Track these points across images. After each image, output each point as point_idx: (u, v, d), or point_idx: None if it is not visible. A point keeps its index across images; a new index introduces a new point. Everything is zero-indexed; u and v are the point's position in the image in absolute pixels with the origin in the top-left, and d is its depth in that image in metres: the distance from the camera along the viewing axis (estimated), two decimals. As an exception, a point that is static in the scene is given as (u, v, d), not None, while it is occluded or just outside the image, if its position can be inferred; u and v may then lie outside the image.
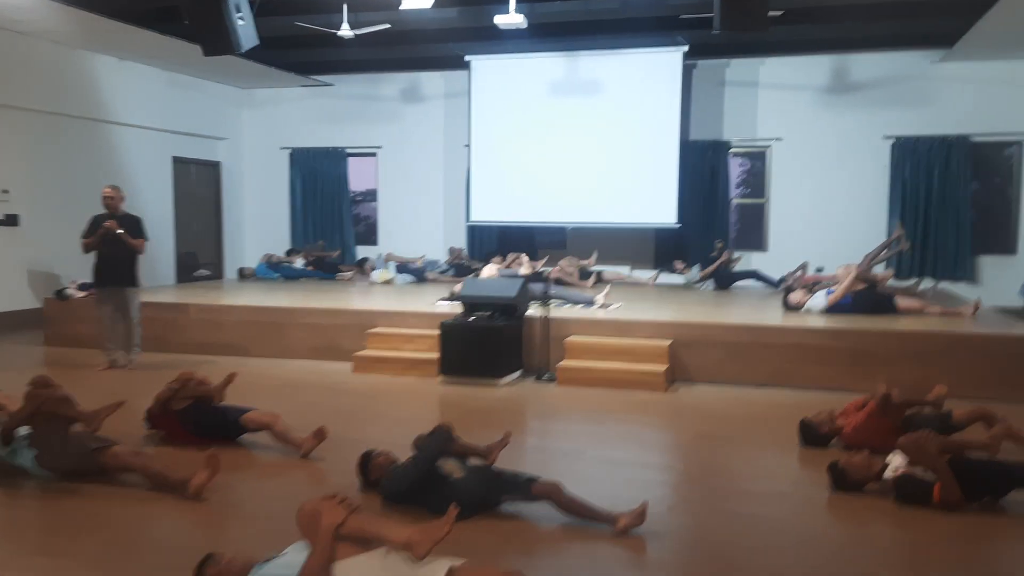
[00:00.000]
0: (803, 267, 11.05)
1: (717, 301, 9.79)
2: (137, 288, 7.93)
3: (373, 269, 12.21)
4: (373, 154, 14.18)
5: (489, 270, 8.59)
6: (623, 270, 12.62)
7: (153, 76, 12.52)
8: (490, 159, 12.72)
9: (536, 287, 7.89)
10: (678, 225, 12.12)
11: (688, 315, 8.23)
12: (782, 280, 11.06)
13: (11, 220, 10.41)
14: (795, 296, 8.43)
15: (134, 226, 7.81)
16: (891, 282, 10.06)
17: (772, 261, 12.20)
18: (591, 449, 5.35)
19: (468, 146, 12.85)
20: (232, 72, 13.10)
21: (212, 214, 14.29)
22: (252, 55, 12.14)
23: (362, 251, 14.03)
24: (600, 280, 11.91)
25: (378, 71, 13.77)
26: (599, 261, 12.14)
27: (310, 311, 8.44)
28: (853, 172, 12.05)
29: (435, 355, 7.40)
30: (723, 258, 11.46)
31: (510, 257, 11.23)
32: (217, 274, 14.11)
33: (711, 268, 11.42)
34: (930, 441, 4.36)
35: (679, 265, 11.78)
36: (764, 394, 7.02)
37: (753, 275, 11.49)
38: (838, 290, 8.07)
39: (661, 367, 7.16)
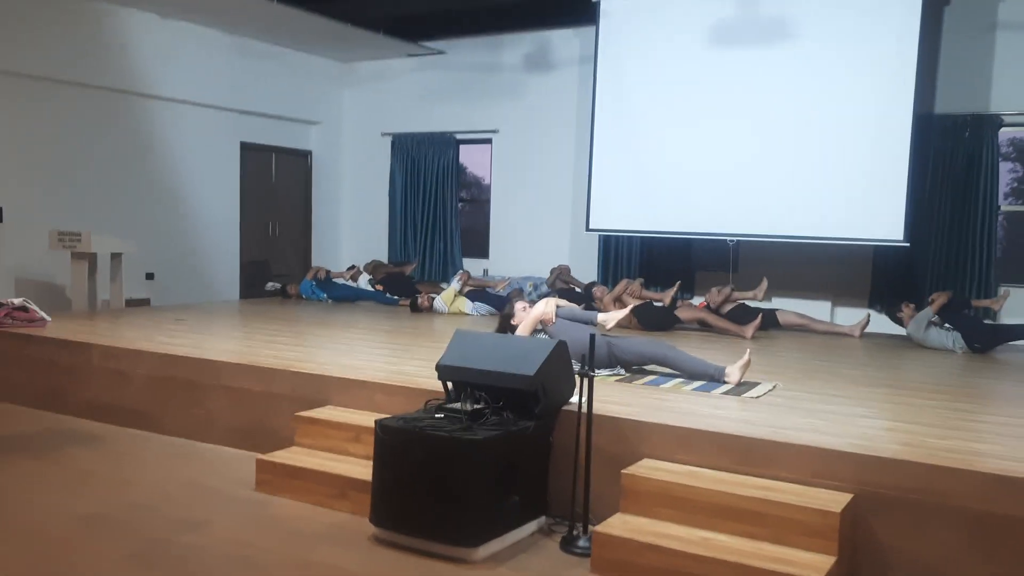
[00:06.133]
0: None
1: (966, 385, 5.49)
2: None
3: (430, 304, 8.81)
4: (488, 140, 10.92)
5: (524, 316, 4.96)
6: (817, 310, 8.39)
7: (210, 40, 9.94)
8: (621, 142, 8.97)
9: (599, 342, 4.22)
10: (906, 244, 7.78)
11: (900, 425, 4.15)
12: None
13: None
14: None
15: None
16: None
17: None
18: None
19: (592, 123, 9.20)
20: (328, 40, 10.34)
21: (299, 215, 11.62)
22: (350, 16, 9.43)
23: (469, 264, 10.81)
24: (776, 324, 7.84)
25: (498, 31, 10.53)
26: (771, 293, 8.03)
27: (237, 368, 5.21)
28: None
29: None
30: (940, 300, 7.02)
31: (619, 287, 7.47)
32: (299, 289, 11.43)
33: (937, 304, 7.03)
34: None
35: (908, 309, 7.38)
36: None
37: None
38: None
39: (823, 560, 3.22)
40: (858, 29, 7.89)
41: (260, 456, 4.43)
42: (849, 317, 8.31)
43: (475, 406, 3.81)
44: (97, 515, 3.98)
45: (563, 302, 5.36)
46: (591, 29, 9.49)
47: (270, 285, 10.92)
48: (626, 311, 5.28)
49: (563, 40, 10.27)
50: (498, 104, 10.73)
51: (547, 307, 5.09)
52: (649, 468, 3.76)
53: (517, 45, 10.58)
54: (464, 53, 10.95)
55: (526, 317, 5.05)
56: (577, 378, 3.92)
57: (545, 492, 3.95)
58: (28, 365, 6.12)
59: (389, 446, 3.67)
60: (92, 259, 7.87)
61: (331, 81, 11.70)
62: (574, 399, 4.05)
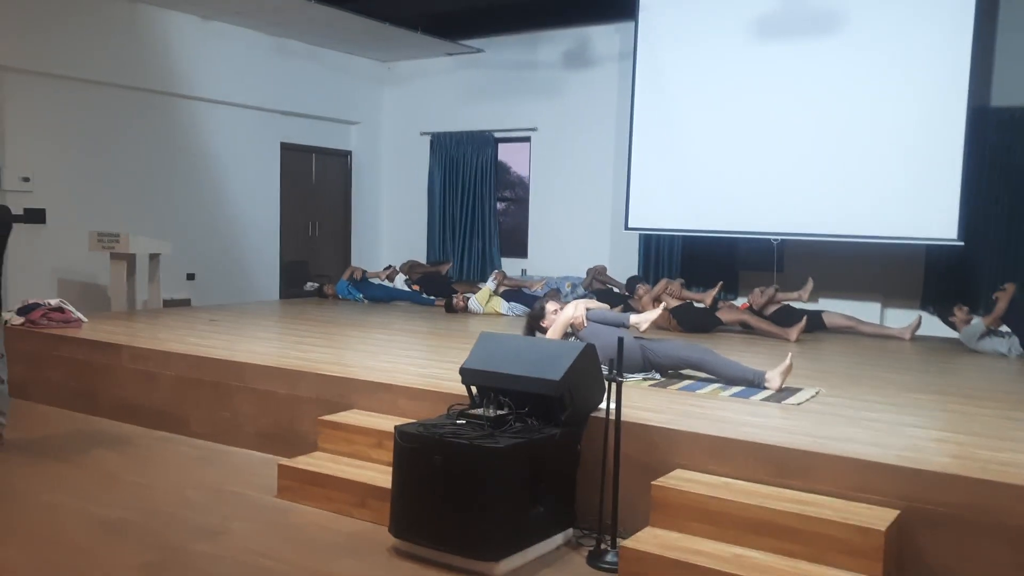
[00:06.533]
0: None
1: (1023, 392, 5.20)
2: None
3: (465, 304, 8.69)
4: (527, 138, 10.78)
5: (554, 319, 4.81)
6: (866, 312, 8.08)
7: (250, 41, 9.94)
8: (661, 139, 8.77)
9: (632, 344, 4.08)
10: (960, 243, 7.44)
11: (951, 436, 3.91)
12: None
13: (35, 215, 8.19)
14: None
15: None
16: None
17: None
18: None
19: (632, 120, 9.01)
20: (367, 40, 10.29)
21: (339, 215, 11.60)
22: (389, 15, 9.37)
23: (508, 264, 10.68)
24: (822, 327, 7.57)
25: (537, 28, 10.39)
26: (818, 294, 7.75)
27: (263, 371, 5.15)
28: None
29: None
30: (1002, 304, 6.64)
31: (658, 287, 7.27)
32: (338, 289, 11.41)
33: (993, 315, 6.68)
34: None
35: (960, 313, 7.05)
36: None
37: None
38: None
39: (864, 581, 3.02)
40: (909, 18, 7.57)
41: (282, 462, 4.35)
42: (900, 319, 7.98)
43: (499, 412, 3.67)
44: (117, 520, 3.93)
45: (593, 304, 5.18)
46: (630, 24, 9.29)
47: (309, 285, 10.91)
48: (658, 311, 5.08)
49: (602, 36, 10.08)
50: (537, 102, 10.59)
51: (576, 310, 4.91)
52: (681, 479, 3.59)
53: (556, 42, 10.42)
54: (502, 51, 10.82)
55: (555, 321, 4.89)
56: (607, 383, 3.76)
57: (572, 503, 3.79)
58: (61, 366, 6.14)
59: (408, 453, 3.54)
60: (130, 260, 7.89)
61: (370, 81, 11.66)
62: (603, 405, 3.89)
